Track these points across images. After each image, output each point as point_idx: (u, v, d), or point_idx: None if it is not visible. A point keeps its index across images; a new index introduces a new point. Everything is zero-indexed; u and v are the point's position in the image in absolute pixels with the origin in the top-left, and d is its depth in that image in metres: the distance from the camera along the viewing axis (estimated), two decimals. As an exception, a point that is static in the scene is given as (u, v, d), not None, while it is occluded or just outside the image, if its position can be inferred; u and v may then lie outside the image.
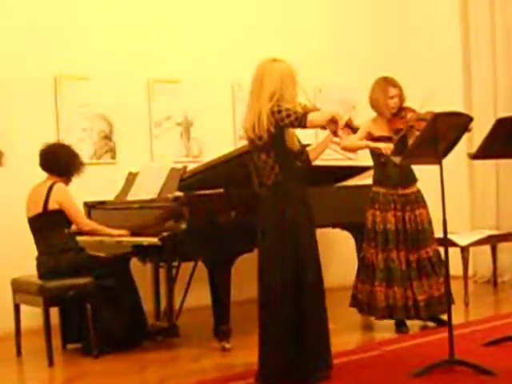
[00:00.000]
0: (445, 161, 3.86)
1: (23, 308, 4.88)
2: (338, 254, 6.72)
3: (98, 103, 5.95)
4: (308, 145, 4.04)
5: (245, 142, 4.04)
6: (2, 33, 5.55)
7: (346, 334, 4.86)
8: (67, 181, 4.86)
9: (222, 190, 4.72)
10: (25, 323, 4.90)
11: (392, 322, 4.95)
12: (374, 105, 5.02)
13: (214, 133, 6.42)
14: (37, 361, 4.60)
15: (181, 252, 4.60)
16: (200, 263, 4.84)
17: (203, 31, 6.48)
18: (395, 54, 7.37)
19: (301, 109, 3.67)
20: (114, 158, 6.06)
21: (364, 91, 5.23)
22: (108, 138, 6.04)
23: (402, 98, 4.99)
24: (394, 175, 4.89)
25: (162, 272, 5.15)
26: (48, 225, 4.72)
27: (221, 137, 6.42)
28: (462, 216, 7.07)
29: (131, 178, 5.34)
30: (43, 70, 5.68)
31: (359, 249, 5.36)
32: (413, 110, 4.90)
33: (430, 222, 4.95)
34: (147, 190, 5.02)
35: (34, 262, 4.76)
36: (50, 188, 4.71)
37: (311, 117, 3.56)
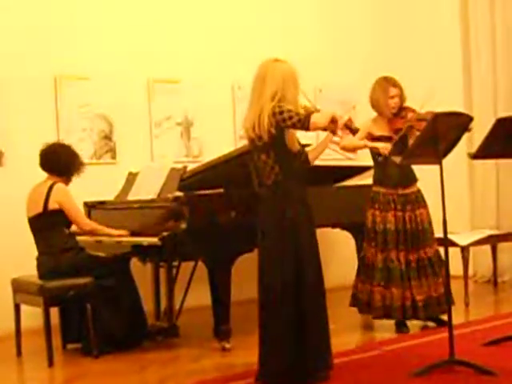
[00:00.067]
0: (445, 161, 3.86)
1: (23, 308, 4.88)
2: (338, 253, 6.72)
3: (98, 103, 5.95)
4: (308, 145, 4.04)
5: (245, 142, 4.04)
6: (2, 33, 5.55)
7: (346, 333, 4.86)
8: (67, 181, 4.86)
9: (222, 190, 4.71)
10: (25, 323, 4.90)
11: (392, 322, 4.95)
12: (375, 104, 5.02)
13: (214, 133, 6.42)
14: (37, 361, 4.60)
15: (181, 252, 4.60)
16: (200, 263, 4.84)
17: (203, 31, 6.48)
18: (395, 54, 7.37)
19: (302, 110, 3.67)
20: (114, 157, 6.06)
21: (364, 91, 5.23)
22: (108, 137, 6.04)
23: (402, 97, 4.99)
24: (394, 175, 4.89)
25: (162, 272, 5.15)
26: (48, 225, 4.72)
27: (221, 137, 6.42)
28: (462, 216, 7.07)
29: (131, 177, 5.34)
30: (43, 70, 5.68)
31: (359, 249, 5.36)
32: (413, 110, 4.90)
33: (430, 222, 4.95)
34: (147, 189, 5.02)
35: (34, 262, 4.76)
36: (50, 188, 4.71)
37: (314, 119, 3.55)
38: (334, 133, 3.73)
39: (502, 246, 6.62)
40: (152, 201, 4.87)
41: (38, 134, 5.37)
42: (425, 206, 4.96)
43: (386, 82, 4.98)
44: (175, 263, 5.00)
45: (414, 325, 4.98)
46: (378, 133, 4.96)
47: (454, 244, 5.82)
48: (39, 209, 4.70)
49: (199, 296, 5.23)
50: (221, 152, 4.96)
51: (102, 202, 5.36)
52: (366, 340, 4.94)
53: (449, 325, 3.83)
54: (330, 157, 4.84)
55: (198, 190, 4.78)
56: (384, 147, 4.77)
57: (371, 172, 5.14)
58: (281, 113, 3.58)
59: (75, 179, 4.94)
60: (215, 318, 4.62)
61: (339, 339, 4.30)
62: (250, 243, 4.36)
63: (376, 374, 3.85)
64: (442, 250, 4.25)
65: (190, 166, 5.20)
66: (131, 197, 5.15)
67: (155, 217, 4.75)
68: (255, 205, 3.83)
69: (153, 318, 5.22)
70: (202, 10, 6.50)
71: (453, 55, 7.38)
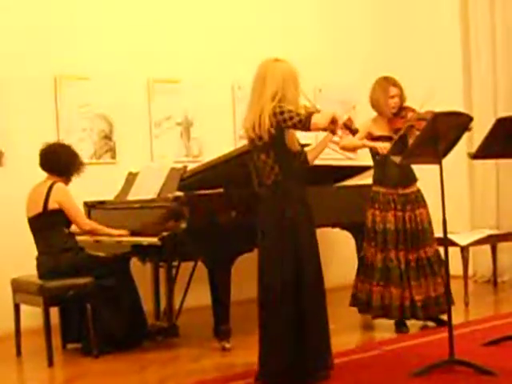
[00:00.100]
0: (445, 160, 3.86)
1: (23, 308, 4.88)
2: (338, 253, 6.72)
3: (98, 103, 5.95)
4: (307, 145, 4.04)
5: (245, 142, 4.04)
6: (2, 33, 5.55)
7: (346, 333, 4.86)
8: (67, 181, 4.86)
9: (222, 190, 4.71)
10: (25, 323, 4.90)
11: (392, 321, 4.95)
12: (375, 104, 5.02)
13: (214, 133, 6.42)
14: (37, 361, 4.60)
15: (181, 252, 4.60)
16: (200, 263, 4.84)
17: (203, 31, 6.48)
18: (395, 54, 7.37)
19: (303, 110, 3.67)
20: (113, 157, 6.06)
21: (364, 91, 5.24)
22: (108, 137, 6.04)
23: (402, 97, 5.00)
24: (394, 175, 4.89)
25: (162, 272, 5.15)
26: (48, 225, 4.72)
27: (221, 137, 6.42)
28: (461, 216, 7.07)
29: (131, 177, 5.34)
30: (43, 70, 5.68)
31: (359, 248, 5.37)
32: (413, 110, 4.90)
33: (429, 222, 4.95)
34: (147, 189, 5.02)
35: (34, 262, 4.76)
36: (50, 188, 4.71)
37: (315, 120, 3.55)
38: (333, 133, 3.73)
39: (501, 245, 6.62)
40: (152, 201, 4.87)
41: (37, 134, 5.37)
42: (425, 205, 4.96)
43: (386, 82, 4.99)
44: (175, 263, 5.00)
45: (413, 325, 4.98)
46: (377, 133, 4.97)
47: (453, 244, 5.82)
48: (39, 209, 4.70)
49: (199, 296, 5.23)
50: (221, 152, 4.96)
51: (102, 202, 5.36)
52: (365, 340, 4.94)
53: (448, 325, 3.83)
54: (329, 156, 4.85)
55: (198, 189, 4.78)
56: (382, 146, 4.77)
57: (371, 172, 5.14)
58: (281, 113, 3.58)
59: (75, 179, 4.94)
60: (215, 317, 4.62)
61: (339, 339, 4.30)
62: (249, 243, 4.36)
63: (376, 374, 3.85)
64: (441, 249, 4.25)
65: (190, 166, 5.20)
66: (131, 197, 5.15)
67: (155, 217, 4.75)
68: (255, 205, 3.83)
69: (153, 318, 5.23)
70: (202, 10, 6.50)
71: (453, 55, 7.38)
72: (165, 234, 4.48)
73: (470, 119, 3.90)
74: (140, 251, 4.86)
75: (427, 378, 3.67)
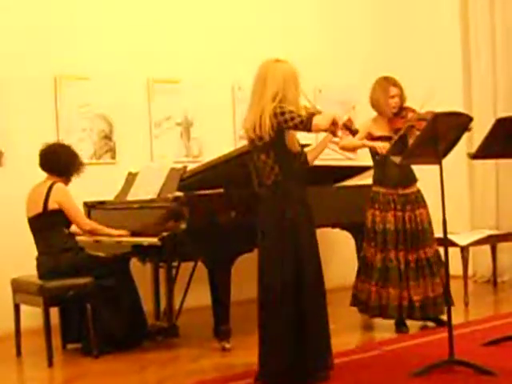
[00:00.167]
0: (445, 161, 3.86)
1: (23, 308, 4.88)
2: (338, 253, 6.72)
3: (98, 103, 5.95)
4: (307, 145, 4.04)
5: (245, 142, 4.04)
6: (2, 33, 5.55)
7: (346, 333, 4.86)
8: (67, 181, 4.86)
9: (221, 190, 4.71)
10: (25, 323, 4.90)
11: (392, 321, 4.95)
12: (375, 104, 5.02)
13: (214, 133, 6.42)
14: (37, 361, 4.60)
15: (181, 252, 4.60)
16: (200, 263, 4.84)
17: (203, 31, 6.48)
18: (395, 54, 7.37)
19: (304, 111, 3.67)
20: (113, 158, 6.06)
21: (364, 91, 5.24)
22: (108, 137, 6.04)
23: (402, 97, 5.00)
24: (394, 175, 4.89)
25: (162, 272, 5.15)
26: (48, 225, 4.72)
27: (221, 137, 6.42)
28: (461, 216, 7.07)
29: (131, 178, 5.34)
30: (43, 70, 5.68)
31: (359, 249, 5.36)
32: (413, 110, 4.90)
33: (429, 222, 4.95)
34: (147, 190, 5.02)
35: (34, 262, 4.76)
36: (50, 188, 4.71)
37: (316, 121, 3.55)
38: (334, 135, 3.73)
39: (501, 246, 6.62)
40: (152, 201, 4.87)
41: (37, 134, 5.37)
42: (424, 206, 4.96)
43: (387, 82, 4.99)
44: (175, 263, 5.00)
45: (413, 325, 4.98)
46: (378, 133, 4.97)
47: (453, 244, 5.83)
48: (39, 209, 4.70)
49: (199, 296, 5.23)
50: (221, 152, 4.96)
51: (102, 202, 5.36)
52: (365, 340, 4.94)
53: (448, 325, 3.83)
54: (329, 157, 4.85)
55: (198, 190, 4.78)
56: (381, 146, 4.77)
57: (371, 172, 5.14)
58: (282, 113, 3.58)
59: (75, 179, 4.94)
60: (215, 318, 4.62)
61: (339, 339, 4.30)
62: (249, 243, 4.36)
63: (376, 374, 3.85)
64: (441, 250, 4.25)
65: (190, 166, 5.20)
66: (131, 197, 5.15)
67: (155, 217, 4.75)
68: (255, 205, 3.83)
69: (152, 318, 5.23)
70: (201, 10, 6.50)
71: (453, 55, 7.38)
72: (165, 234, 4.48)
73: (470, 119, 3.90)
74: (140, 251, 4.86)
75: (427, 378, 3.67)
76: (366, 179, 5.37)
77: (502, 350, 4.15)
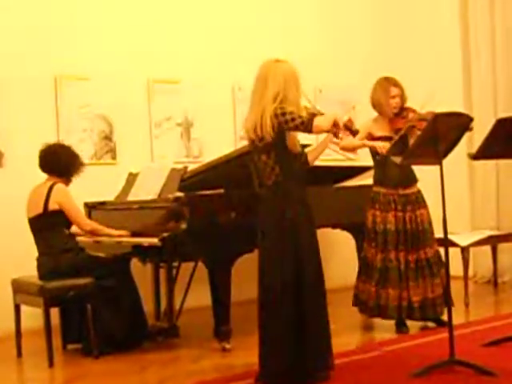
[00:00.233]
0: (445, 161, 3.86)
1: (23, 308, 4.88)
2: (339, 254, 6.72)
3: (98, 103, 5.95)
4: (308, 145, 4.04)
5: (245, 143, 4.04)
6: (2, 33, 5.56)
7: (346, 334, 4.85)
8: (67, 181, 4.86)
9: (222, 191, 4.71)
10: (25, 324, 4.90)
11: (392, 322, 4.95)
12: (376, 104, 5.02)
13: (214, 133, 6.42)
14: (37, 361, 4.60)
15: (181, 252, 4.60)
16: (200, 263, 4.83)
17: (203, 31, 6.48)
18: (395, 54, 7.37)
19: (304, 112, 3.66)
20: (114, 158, 6.06)
21: (364, 91, 5.24)
22: (108, 138, 6.04)
23: (403, 97, 4.99)
24: (394, 175, 4.88)
25: (162, 272, 5.15)
26: (48, 225, 4.72)
27: (221, 137, 6.42)
28: (462, 216, 7.07)
29: (131, 178, 5.34)
30: (43, 70, 5.69)
31: (359, 249, 5.36)
32: (414, 111, 4.91)
33: (430, 223, 4.95)
34: (147, 190, 5.02)
35: (35, 263, 4.75)
36: (50, 188, 4.71)
37: (317, 122, 3.55)
38: (336, 136, 3.72)
39: (502, 246, 6.62)
40: (152, 201, 4.87)
41: (37, 135, 5.37)
42: (425, 206, 4.96)
43: (387, 82, 4.99)
44: (175, 264, 5.00)
45: (413, 325, 4.98)
46: (378, 133, 4.96)
47: (454, 244, 5.82)
48: (39, 209, 4.70)
49: (199, 296, 5.23)
50: (221, 152, 4.96)
51: (103, 203, 5.36)
52: (366, 340, 4.94)
53: (449, 325, 3.82)
54: (330, 157, 4.85)
55: (199, 190, 4.78)
56: (382, 146, 4.77)
57: (371, 172, 5.14)
58: (283, 114, 3.58)
59: (75, 180, 4.94)
60: (215, 318, 4.62)
61: (339, 339, 4.30)
62: (250, 244, 4.36)
63: (376, 375, 3.85)
64: (442, 250, 4.25)
65: (191, 167, 5.20)
66: (131, 197, 5.15)
67: (155, 217, 4.75)
68: (255, 205, 3.83)
69: (153, 319, 5.23)
70: (202, 10, 6.50)
71: (453, 55, 7.38)
72: (165, 234, 4.48)
73: (471, 120, 3.90)
74: (140, 252, 4.86)
75: (427, 378, 3.67)
76: (367, 179, 5.36)
77: (503, 351, 4.15)
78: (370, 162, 5.16)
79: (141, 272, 5.22)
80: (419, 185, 5.02)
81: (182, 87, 6.36)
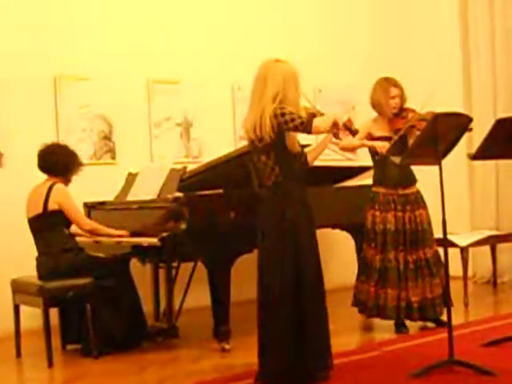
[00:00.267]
0: (444, 161, 3.86)
1: (23, 309, 4.88)
2: (338, 254, 6.72)
3: (98, 103, 5.95)
4: (307, 145, 4.04)
5: (245, 143, 4.04)
6: (2, 33, 5.55)
7: (345, 334, 4.85)
8: (66, 181, 4.85)
9: (221, 191, 4.71)
10: (24, 324, 4.90)
11: (391, 322, 4.95)
12: (375, 105, 5.01)
13: (213, 133, 6.42)
14: (36, 361, 4.60)
15: (180, 252, 4.60)
16: (200, 264, 4.83)
17: (203, 31, 6.48)
18: (395, 54, 7.37)
19: (304, 112, 3.66)
20: (113, 158, 6.06)
21: (364, 91, 5.23)
22: (108, 138, 6.04)
23: (403, 98, 5.00)
24: (394, 175, 4.88)
25: (162, 273, 5.15)
26: (48, 225, 4.72)
27: (221, 137, 6.42)
28: (461, 216, 7.07)
29: (131, 178, 5.34)
30: (43, 70, 5.68)
31: (359, 249, 5.36)
32: (413, 111, 4.90)
33: (429, 223, 4.95)
34: (147, 190, 5.02)
35: (34, 263, 4.75)
36: (50, 188, 4.71)
37: (316, 123, 3.56)
38: (336, 137, 3.73)
39: (501, 246, 6.61)
40: (152, 201, 4.87)
41: (37, 135, 5.36)
42: (424, 206, 4.96)
43: (387, 83, 4.99)
44: (175, 264, 4.99)
45: (413, 325, 4.98)
46: (378, 133, 4.96)
47: (453, 245, 5.82)
48: (39, 209, 4.70)
49: (199, 297, 5.23)
50: (220, 153, 4.96)
51: (102, 203, 5.36)
52: (365, 341, 4.94)
53: (448, 325, 3.82)
54: (329, 157, 4.84)
55: (198, 190, 4.78)
56: (381, 146, 4.77)
57: (371, 172, 5.14)
58: (282, 115, 3.58)
59: (75, 180, 4.93)
60: (215, 318, 4.61)
61: (339, 340, 4.30)
62: (249, 244, 4.36)
63: (375, 375, 3.85)
64: (441, 250, 4.25)
65: (190, 167, 5.20)
66: (131, 197, 5.15)
67: (155, 217, 4.75)
68: (255, 205, 3.83)
69: (152, 319, 5.22)
70: (202, 10, 6.50)
71: (452, 55, 7.38)
72: (164, 234, 4.48)
73: (470, 120, 3.90)
74: (140, 252, 4.86)
75: (427, 378, 3.67)
76: (366, 179, 5.36)
77: (502, 351, 4.15)
78: (369, 162, 5.16)
79: (140, 272, 5.22)
80: (418, 185, 5.02)
81: (182, 87, 6.36)
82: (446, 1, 7.46)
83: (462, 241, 5.95)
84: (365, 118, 5.20)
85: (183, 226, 4.47)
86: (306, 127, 3.55)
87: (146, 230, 4.73)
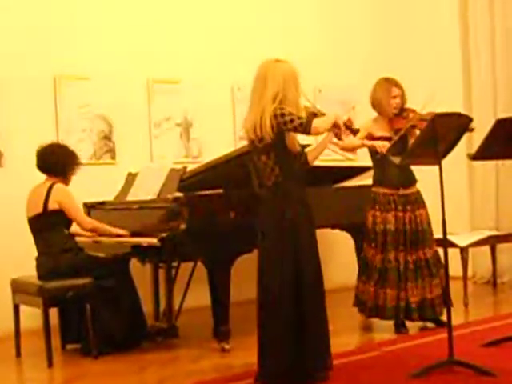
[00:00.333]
0: (444, 161, 3.86)
1: (23, 308, 4.88)
2: (338, 254, 6.71)
3: (98, 103, 5.95)
4: (307, 145, 4.04)
5: (245, 143, 4.04)
6: (2, 33, 5.55)
7: (345, 334, 4.85)
8: (66, 181, 4.85)
9: (221, 191, 4.71)
10: (24, 324, 4.90)
11: (391, 322, 4.95)
12: (376, 104, 5.01)
13: (213, 133, 6.42)
14: (36, 361, 4.60)
15: (180, 252, 4.60)
16: (199, 264, 4.83)
17: (203, 31, 6.48)
18: (395, 54, 7.37)
19: (304, 111, 3.66)
20: (113, 158, 6.06)
21: (364, 91, 5.23)
22: (108, 138, 6.04)
23: (403, 98, 5.00)
24: (394, 175, 4.88)
25: (162, 272, 5.15)
26: (48, 225, 4.72)
27: (220, 137, 6.42)
28: (461, 217, 7.07)
29: (131, 178, 5.34)
30: (43, 70, 5.68)
31: (359, 249, 5.36)
32: (413, 111, 4.90)
33: (429, 223, 4.95)
34: (147, 190, 5.02)
35: (34, 263, 4.75)
36: (50, 188, 4.71)
37: (315, 124, 3.56)
38: (338, 137, 3.72)
39: (501, 246, 6.61)
40: (151, 201, 4.87)
41: (37, 135, 5.36)
42: (424, 206, 4.96)
43: (388, 83, 4.99)
44: (174, 264, 5.00)
45: (412, 326, 4.98)
46: (378, 133, 4.96)
47: (453, 245, 5.82)
48: (39, 209, 4.70)
49: (198, 296, 5.23)
50: (220, 153, 4.95)
51: (102, 203, 5.36)
52: (365, 341, 4.94)
53: (448, 325, 3.82)
54: (329, 157, 4.84)
55: (198, 190, 4.78)
56: (381, 145, 4.77)
57: (371, 172, 5.14)
58: (282, 115, 3.57)
59: (75, 179, 4.93)
60: (214, 318, 4.62)
61: (339, 340, 4.30)
62: (249, 244, 4.36)
63: (375, 375, 3.85)
64: (441, 250, 4.25)
65: (190, 167, 5.20)
66: (131, 197, 5.15)
67: (155, 217, 4.75)
68: (255, 205, 3.83)
69: (152, 319, 5.23)
70: (202, 10, 6.50)
71: (452, 55, 7.38)
72: (164, 234, 4.48)
73: (470, 120, 3.90)
74: (140, 252, 4.86)
75: (426, 378, 3.67)
76: (366, 180, 5.36)
77: (502, 351, 4.15)
78: (369, 163, 5.15)
79: (140, 272, 5.22)
80: (418, 185, 5.02)
81: (182, 87, 6.36)
82: (445, 1, 7.46)
83: (462, 241, 5.95)
84: (365, 118, 5.20)
85: (183, 226, 4.47)
86: (305, 128, 3.55)
87: (145, 230, 4.73)
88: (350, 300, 5.09)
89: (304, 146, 3.91)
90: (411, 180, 4.98)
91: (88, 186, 5.34)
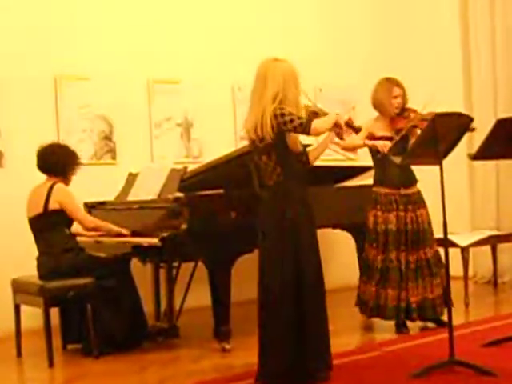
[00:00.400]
0: (445, 161, 3.85)
1: (23, 308, 4.88)
2: (338, 254, 6.71)
3: (98, 104, 5.95)
4: (308, 145, 4.04)
5: (245, 143, 4.04)
6: (2, 33, 5.56)
7: (346, 334, 4.85)
8: (66, 181, 4.85)
9: (222, 191, 4.71)
10: (25, 324, 4.90)
11: (392, 322, 4.95)
12: (377, 104, 5.01)
13: (214, 133, 6.42)
14: (37, 361, 4.60)
15: (181, 252, 4.60)
16: (200, 264, 4.83)
17: (203, 31, 6.48)
18: (395, 54, 7.37)
19: (304, 111, 3.66)
20: (114, 158, 6.06)
21: (364, 91, 5.24)
22: (108, 138, 6.04)
23: (405, 98, 4.99)
24: (395, 175, 4.88)
25: (162, 272, 5.15)
26: (48, 225, 4.72)
27: (221, 137, 6.42)
28: (462, 217, 7.07)
29: (131, 178, 5.34)
30: (43, 70, 5.69)
31: (360, 249, 5.36)
32: (414, 111, 4.90)
33: (429, 223, 4.95)
34: (147, 190, 5.02)
35: (35, 263, 4.75)
36: (51, 188, 4.71)
37: (315, 125, 3.55)
38: (340, 137, 3.72)
39: (502, 246, 6.61)
40: (152, 201, 4.87)
41: (37, 135, 5.36)
42: (424, 206, 4.96)
43: (390, 83, 4.99)
44: (175, 264, 5.00)
45: (413, 326, 4.98)
46: (379, 133, 4.96)
47: (454, 245, 5.82)
48: (39, 209, 4.70)
49: (199, 297, 5.23)
50: (221, 153, 4.95)
51: (102, 203, 5.36)
52: (365, 341, 4.94)
53: (449, 325, 3.82)
54: (330, 157, 4.84)
55: (199, 190, 4.78)
56: (383, 144, 4.77)
57: (372, 172, 5.14)
58: (282, 115, 3.57)
59: (75, 180, 4.93)
60: (215, 318, 4.62)
61: (339, 340, 4.31)
62: (250, 244, 4.36)
63: (376, 375, 3.85)
64: (442, 250, 4.25)
65: (190, 167, 5.20)
66: (131, 197, 5.15)
67: (155, 217, 4.75)
68: (255, 205, 3.83)
69: (153, 319, 5.22)
70: (202, 10, 6.50)
71: (453, 55, 7.38)
72: (165, 234, 4.48)
73: (471, 120, 3.90)
74: (140, 252, 4.86)
75: (427, 378, 3.67)
76: (367, 179, 5.36)
77: (503, 351, 4.15)
78: (370, 162, 5.15)
79: (141, 272, 5.22)
80: (419, 185, 5.02)
81: (182, 87, 6.36)
82: (446, 1, 7.46)
83: (463, 241, 5.95)
84: (365, 117, 5.19)
85: (184, 226, 4.47)
86: (305, 129, 3.55)
87: (146, 230, 4.73)
88: (351, 300, 5.09)
89: (305, 146, 3.91)
90: (412, 180, 4.98)
91: (89, 186, 5.34)
